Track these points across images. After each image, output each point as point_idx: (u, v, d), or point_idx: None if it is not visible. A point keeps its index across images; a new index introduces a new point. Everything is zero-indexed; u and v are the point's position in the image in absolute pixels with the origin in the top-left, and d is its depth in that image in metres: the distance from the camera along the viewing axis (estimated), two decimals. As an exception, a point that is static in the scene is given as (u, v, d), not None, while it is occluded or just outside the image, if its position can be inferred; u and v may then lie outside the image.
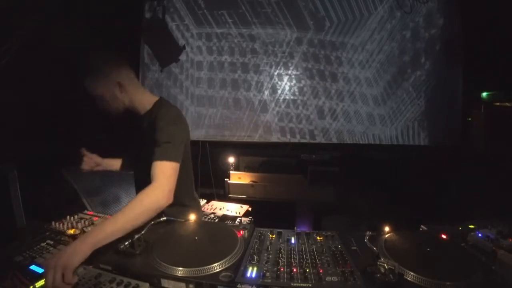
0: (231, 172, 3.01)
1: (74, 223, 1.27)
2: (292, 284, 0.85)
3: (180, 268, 0.91)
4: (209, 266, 0.92)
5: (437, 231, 1.20)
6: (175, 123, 1.32)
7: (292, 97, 3.06)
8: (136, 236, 1.03)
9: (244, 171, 3.10)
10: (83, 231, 1.18)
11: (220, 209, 2.29)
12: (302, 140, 3.08)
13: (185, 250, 1.04)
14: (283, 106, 3.08)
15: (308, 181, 2.86)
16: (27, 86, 2.27)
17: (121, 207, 1.08)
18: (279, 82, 3.07)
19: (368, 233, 1.15)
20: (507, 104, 2.47)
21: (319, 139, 3.05)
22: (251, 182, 2.97)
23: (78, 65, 1.34)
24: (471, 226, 1.25)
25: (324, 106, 3.01)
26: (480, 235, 1.10)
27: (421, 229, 1.28)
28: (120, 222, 1.03)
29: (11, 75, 2.10)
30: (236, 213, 2.21)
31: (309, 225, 2.87)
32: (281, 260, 0.97)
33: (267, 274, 0.89)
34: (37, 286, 0.85)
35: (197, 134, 3.19)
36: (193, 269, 0.91)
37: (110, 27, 2.72)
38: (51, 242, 1.14)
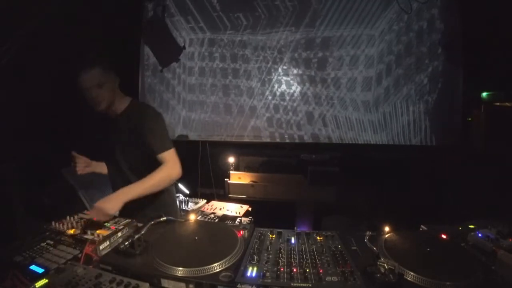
0: (231, 172, 3.01)
1: (74, 223, 1.27)
2: (292, 284, 0.86)
3: (180, 268, 0.91)
4: (209, 266, 0.92)
5: (437, 231, 1.20)
6: (158, 118, 1.56)
7: (282, 102, 3.07)
8: (136, 236, 1.03)
9: (244, 171, 3.09)
10: (83, 231, 1.18)
11: (220, 209, 2.29)
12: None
13: (185, 250, 1.04)
14: (273, 112, 3.10)
15: (308, 181, 2.85)
16: (27, 86, 2.27)
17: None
18: (270, 87, 3.09)
19: (368, 233, 1.15)
20: (507, 104, 2.47)
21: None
22: (251, 182, 2.97)
23: (88, 55, 1.53)
24: (471, 226, 1.25)
25: (315, 112, 3.02)
26: (480, 235, 1.10)
27: (421, 229, 1.28)
28: (143, 188, 1.40)
29: (11, 75, 2.10)
30: (236, 213, 2.21)
31: (309, 225, 2.87)
32: (281, 260, 0.97)
33: (267, 274, 0.89)
34: (37, 286, 0.85)
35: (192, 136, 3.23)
36: (193, 269, 0.91)
37: (110, 27, 2.72)
38: (51, 242, 1.14)
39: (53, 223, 1.28)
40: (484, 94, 2.61)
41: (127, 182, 1.47)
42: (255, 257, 0.98)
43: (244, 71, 3.12)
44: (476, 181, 2.37)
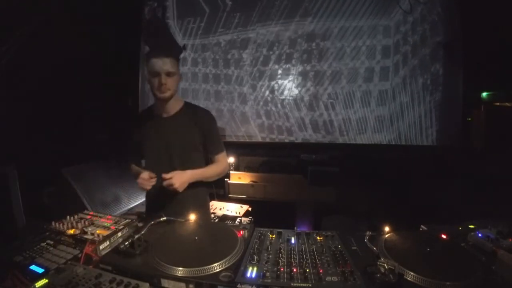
0: (231, 172, 3.01)
1: (74, 223, 1.27)
2: (292, 284, 0.85)
3: (180, 268, 0.91)
4: (209, 266, 0.92)
5: (437, 231, 1.20)
6: (215, 122, 1.66)
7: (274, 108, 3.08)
8: (136, 236, 1.03)
9: (244, 171, 3.10)
10: (83, 231, 1.18)
11: (220, 209, 2.29)
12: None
13: (185, 250, 1.04)
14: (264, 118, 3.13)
15: (308, 181, 2.86)
16: (27, 86, 2.27)
17: (121, 207, 1.11)
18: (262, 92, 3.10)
19: (368, 233, 1.15)
20: (507, 104, 2.47)
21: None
22: (251, 182, 2.97)
23: (171, 44, 1.65)
24: (471, 226, 1.25)
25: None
26: (480, 235, 1.10)
27: (421, 229, 1.28)
28: (205, 175, 1.58)
29: (11, 75, 2.10)
30: (236, 213, 2.22)
31: (309, 225, 2.87)
32: (281, 260, 0.97)
33: (267, 274, 0.89)
34: (37, 286, 0.85)
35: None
36: (193, 269, 0.91)
37: (110, 27, 2.72)
38: (51, 242, 1.14)
39: (53, 223, 1.28)
40: (484, 94, 2.61)
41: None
42: (255, 257, 0.98)
43: (236, 76, 3.12)
44: (476, 181, 2.37)
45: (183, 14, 3.25)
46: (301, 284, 0.86)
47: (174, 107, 1.57)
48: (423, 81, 2.81)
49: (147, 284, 0.87)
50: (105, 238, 1.10)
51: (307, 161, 2.97)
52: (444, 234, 1.17)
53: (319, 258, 0.99)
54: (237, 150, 3.18)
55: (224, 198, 2.93)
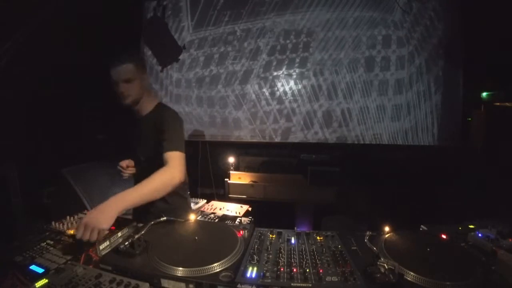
0: (231, 172, 3.01)
1: (74, 223, 1.27)
2: (292, 284, 0.85)
3: (180, 268, 0.91)
4: (209, 266, 0.92)
5: (437, 231, 1.20)
6: (178, 120, 1.53)
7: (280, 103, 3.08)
8: (136, 236, 1.03)
9: (244, 171, 3.09)
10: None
11: (220, 209, 2.29)
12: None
13: (185, 250, 1.04)
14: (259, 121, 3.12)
15: (308, 181, 2.85)
16: (27, 86, 2.27)
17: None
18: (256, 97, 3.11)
19: (368, 233, 1.15)
20: (507, 104, 2.47)
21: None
22: (251, 182, 2.97)
23: (125, 49, 1.52)
24: (471, 226, 1.25)
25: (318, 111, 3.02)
26: (480, 235, 1.10)
27: (421, 229, 1.28)
28: (141, 193, 1.22)
29: (11, 75, 2.10)
30: (236, 213, 2.21)
31: (309, 225, 2.87)
32: (281, 260, 0.97)
33: (267, 274, 0.89)
34: (37, 286, 0.85)
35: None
36: (193, 269, 0.90)
37: (110, 27, 2.72)
38: (51, 242, 1.14)
39: (53, 223, 1.28)
40: (484, 94, 2.61)
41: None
42: (255, 257, 0.98)
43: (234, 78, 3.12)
44: (476, 181, 2.37)
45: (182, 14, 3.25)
46: (301, 284, 0.85)
47: (146, 108, 1.59)
48: (423, 81, 2.81)
49: (147, 284, 0.87)
50: (105, 238, 1.10)
51: (307, 161, 2.97)
52: (444, 234, 1.17)
53: (319, 258, 0.99)
54: (237, 150, 3.19)
55: (224, 198, 2.93)
